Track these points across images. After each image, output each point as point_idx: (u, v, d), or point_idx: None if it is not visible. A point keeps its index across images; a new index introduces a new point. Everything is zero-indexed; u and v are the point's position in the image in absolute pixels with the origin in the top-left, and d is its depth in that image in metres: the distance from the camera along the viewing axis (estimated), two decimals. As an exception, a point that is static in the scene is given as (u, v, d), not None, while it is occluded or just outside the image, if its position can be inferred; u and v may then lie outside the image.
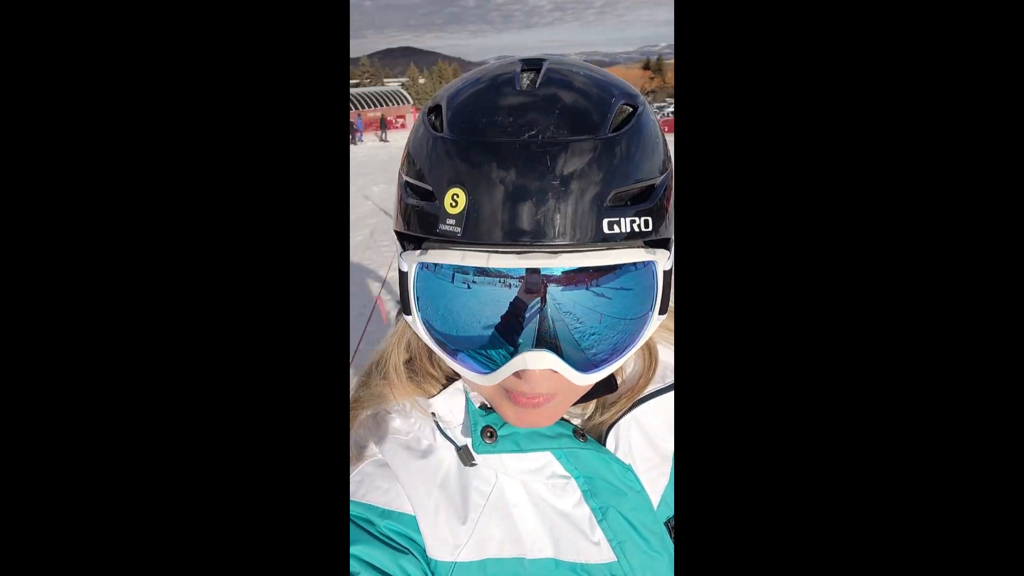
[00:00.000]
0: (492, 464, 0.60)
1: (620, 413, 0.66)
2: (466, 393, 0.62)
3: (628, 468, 0.64)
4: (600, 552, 0.60)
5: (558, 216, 0.47)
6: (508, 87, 0.52)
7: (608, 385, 0.67)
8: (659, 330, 0.69)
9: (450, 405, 0.62)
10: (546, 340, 0.51)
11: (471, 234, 0.47)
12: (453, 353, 0.54)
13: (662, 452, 0.68)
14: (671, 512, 0.66)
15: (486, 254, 0.48)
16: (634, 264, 0.51)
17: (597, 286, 0.51)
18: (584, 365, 0.53)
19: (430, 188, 0.50)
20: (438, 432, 0.62)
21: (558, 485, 0.62)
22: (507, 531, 0.60)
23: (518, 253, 0.48)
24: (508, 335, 0.52)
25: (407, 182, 0.53)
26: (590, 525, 0.61)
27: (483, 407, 0.62)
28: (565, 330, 0.52)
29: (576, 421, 0.69)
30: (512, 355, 0.51)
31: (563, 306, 0.51)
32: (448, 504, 0.59)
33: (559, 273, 0.49)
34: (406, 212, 0.53)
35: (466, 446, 0.60)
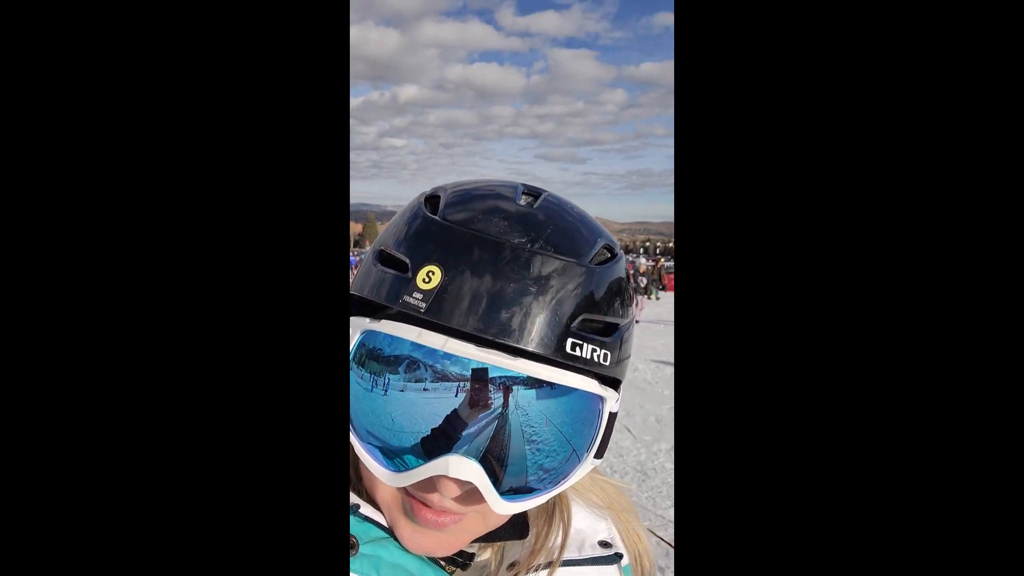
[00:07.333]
0: None
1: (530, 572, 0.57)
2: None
3: None
4: None
5: (527, 320, 0.46)
6: (508, 200, 0.53)
7: (518, 530, 0.61)
8: (589, 494, 0.66)
9: None
10: (473, 451, 0.48)
11: (435, 312, 0.46)
12: (365, 442, 0.50)
13: None
14: None
15: (443, 338, 0.46)
16: (585, 395, 0.50)
17: (539, 403, 0.49)
18: (507, 490, 0.50)
19: (406, 260, 0.49)
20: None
21: None
22: None
23: (477, 344, 0.46)
24: (433, 438, 0.48)
25: (381, 251, 0.52)
26: None
27: (367, 519, 0.54)
28: (495, 447, 0.48)
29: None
30: (432, 458, 0.48)
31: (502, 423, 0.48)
32: None
33: (519, 377, 0.47)
34: (370, 277, 0.51)
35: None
